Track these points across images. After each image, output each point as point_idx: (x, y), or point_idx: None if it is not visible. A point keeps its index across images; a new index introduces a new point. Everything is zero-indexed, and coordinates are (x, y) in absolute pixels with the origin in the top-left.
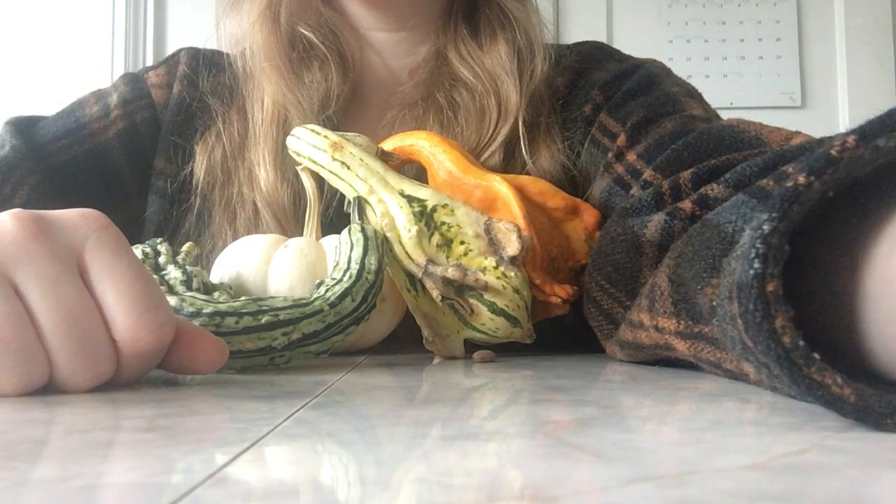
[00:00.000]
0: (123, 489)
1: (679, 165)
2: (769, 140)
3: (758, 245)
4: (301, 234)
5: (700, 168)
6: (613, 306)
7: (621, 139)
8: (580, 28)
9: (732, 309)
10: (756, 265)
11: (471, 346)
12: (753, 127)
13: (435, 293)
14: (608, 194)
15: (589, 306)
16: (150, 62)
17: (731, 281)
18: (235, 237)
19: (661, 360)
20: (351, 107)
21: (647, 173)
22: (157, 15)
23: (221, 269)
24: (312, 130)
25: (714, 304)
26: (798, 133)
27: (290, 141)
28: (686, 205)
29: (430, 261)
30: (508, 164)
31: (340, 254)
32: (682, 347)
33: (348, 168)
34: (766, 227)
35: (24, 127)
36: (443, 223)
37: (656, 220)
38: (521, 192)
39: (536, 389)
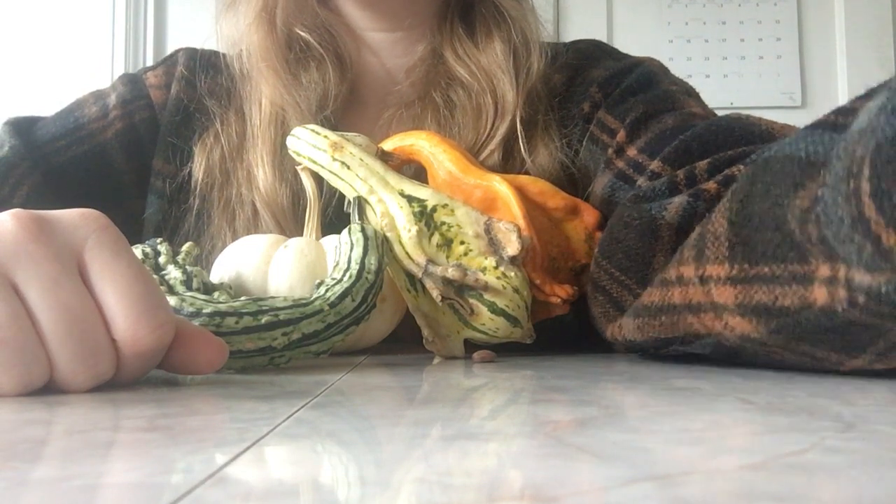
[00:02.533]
0: (123, 489)
1: (689, 157)
2: (781, 135)
3: None
4: (301, 235)
5: (716, 159)
6: (623, 294)
7: (621, 135)
8: (580, 28)
9: (854, 184)
10: None
11: (471, 346)
12: (763, 122)
13: (435, 293)
14: (611, 190)
15: (595, 294)
16: (150, 62)
17: (853, 160)
18: (235, 238)
19: (670, 337)
20: (349, 107)
21: (655, 165)
22: (157, 15)
23: (221, 269)
24: (312, 130)
25: (818, 193)
26: None
27: (289, 141)
28: (710, 185)
29: (430, 261)
30: (507, 162)
31: (340, 254)
32: (725, 297)
33: (348, 168)
34: None
35: (23, 127)
36: (443, 223)
37: (677, 203)
38: (521, 192)
39: (536, 389)
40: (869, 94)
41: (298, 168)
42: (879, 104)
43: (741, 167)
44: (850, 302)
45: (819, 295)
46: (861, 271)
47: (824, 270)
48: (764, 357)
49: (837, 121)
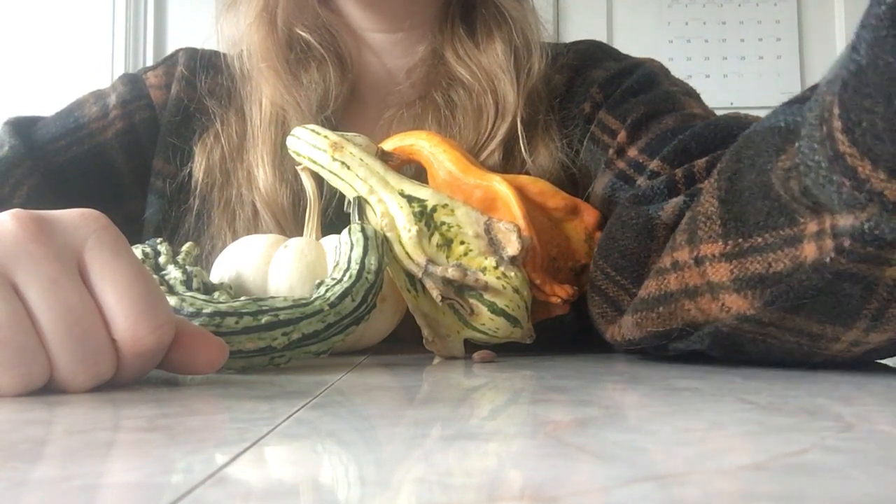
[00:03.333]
0: (123, 489)
1: (687, 156)
2: None
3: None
4: (300, 235)
5: (714, 157)
6: (619, 294)
7: (621, 136)
8: (580, 28)
9: (827, 127)
10: (884, 5)
11: (471, 346)
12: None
13: (435, 293)
14: (611, 190)
15: (593, 295)
16: (150, 62)
17: (823, 106)
18: (235, 238)
19: (668, 330)
20: (349, 107)
21: (654, 164)
22: (157, 15)
23: (221, 269)
24: (312, 130)
25: (793, 158)
26: None
27: (290, 141)
28: (706, 184)
29: (430, 261)
30: (507, 162)
31: (340, 254)
32: (721, 275)
33: (348, 168)
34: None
35: (24, 127)
36: (443, 223)
37: (674, 203)
38: (521, 192)
39: (536, 389)
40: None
41: (298, 168)
42: (843, 55)
43: None
44: (837, 249)
45: (809, 251)
46: (844, 214)
47: (812, 226)
48: (762, 344)
49: (807, 94)
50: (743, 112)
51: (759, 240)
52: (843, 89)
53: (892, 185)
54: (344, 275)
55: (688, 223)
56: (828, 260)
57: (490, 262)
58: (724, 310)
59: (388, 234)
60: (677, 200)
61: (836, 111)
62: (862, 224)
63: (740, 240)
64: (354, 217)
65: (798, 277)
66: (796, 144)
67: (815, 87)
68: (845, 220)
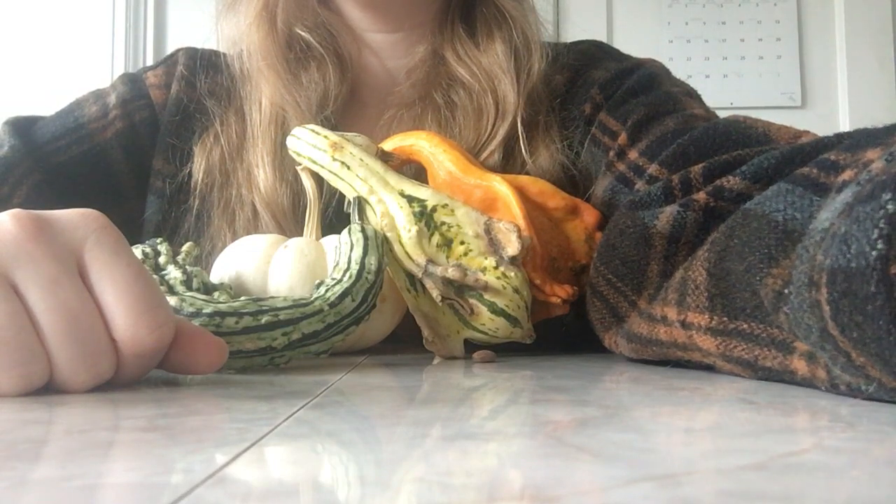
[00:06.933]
0: (123, 489)
1: (685, 160)
2: (777, 138)
3: (882, 225)
4: (300, 235)
5: (711, 163)
6: (619, 300)
7: (622, 138)
8: (580, 28)
9: (816, 296)
10: (880, 246)
11: (471, 346)
12: (761, 124)
13: (435, 293)
14: (611, 192)
15: (593, 300)
16: (150, 62)
17: (814, 267)
18: (234, 238)
19: (667, 360)
20: (349, 107)
21: (653, 168)
22: (157, 15)
23: (221, 269)
24: (312, 130)
25: (785, 291)
26: (806, 132)
27: (290, 141)
28: (700, 196)
29: (430, 261)
30: (508, 163)
31: (340, 254)
32: (708, 345)
33: (348, 168)
34: (890, 207)
35: (23, 127)
36: (443, 223)
37: (668, 212)
38: (522, 193)
39: (536, 389)
40: (862, 142)
41: (298, 168)
42: (843, 202)
43: (731, 178)
44: (832, 385)
45: (799, 366)
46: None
47: (802, 344)
48: None
49: (819, 179)
50: (744, 115)
51: (745, 326)
52: (832, 280)
53: (888, 378)
54: (344, 275)
55: (679, 284)
56: (822, 388)
57: (490, 262)
58: (718, 366)
59: (388, 234)
60: (671, 209)
61: (825, 293)
62: (860, 385)
63: (725, 318)
64: (354, 217)
65: (789, 378)
66: (786, 289)
67: (824, 168)
68: (841, 373)
